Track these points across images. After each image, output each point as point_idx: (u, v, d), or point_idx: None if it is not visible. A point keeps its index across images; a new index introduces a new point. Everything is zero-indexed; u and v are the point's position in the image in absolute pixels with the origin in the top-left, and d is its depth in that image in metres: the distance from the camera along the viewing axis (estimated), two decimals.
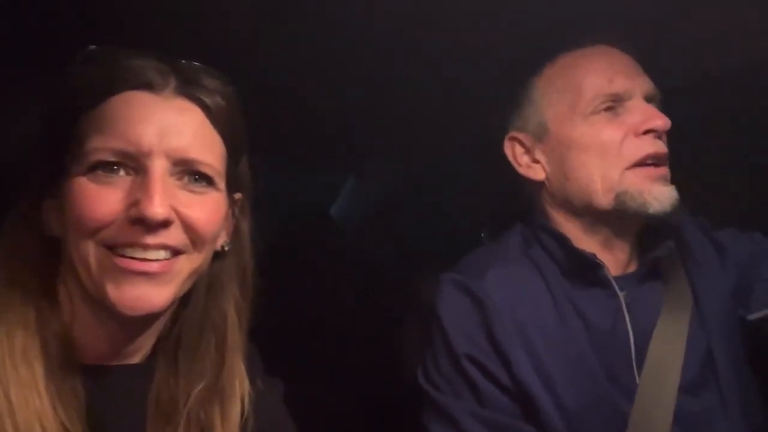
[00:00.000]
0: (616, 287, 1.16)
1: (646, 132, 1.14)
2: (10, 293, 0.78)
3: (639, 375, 1.11)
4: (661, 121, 1.14)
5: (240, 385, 0.91)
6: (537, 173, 1.23)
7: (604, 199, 1.15)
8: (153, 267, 0.77)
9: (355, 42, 1.25)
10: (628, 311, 1.14)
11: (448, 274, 1.18)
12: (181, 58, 0.84)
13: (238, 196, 0.92)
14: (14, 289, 0.78)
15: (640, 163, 1.14)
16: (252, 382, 0.94)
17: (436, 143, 1.51)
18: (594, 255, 1.16)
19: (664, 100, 1.20)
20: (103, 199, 0.76)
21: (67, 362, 0.78)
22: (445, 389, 1.11)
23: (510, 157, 1.26)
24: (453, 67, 1.33)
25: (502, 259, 1.19)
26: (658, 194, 1.13)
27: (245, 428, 0.92)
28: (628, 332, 1.13)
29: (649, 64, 1.20)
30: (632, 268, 1.21)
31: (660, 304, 1.16)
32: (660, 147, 1.15)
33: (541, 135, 1.22)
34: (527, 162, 1.24)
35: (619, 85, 1.16)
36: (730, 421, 1.12)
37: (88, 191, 0.76)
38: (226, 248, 0.90)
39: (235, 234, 0.92)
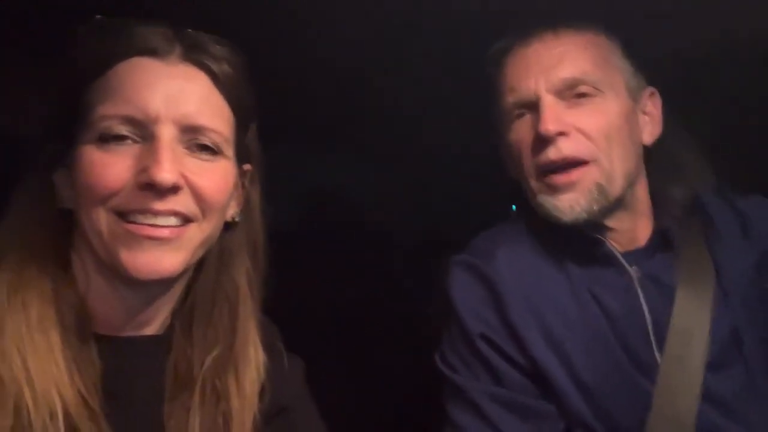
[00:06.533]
0: (625, 263, 1.13)
1: (540, 138, 1.09)
2: (25, 264, 0.80)
3: (659, 352, 1.08)
4: (543, 127, 1.08)
5: (255, 354, 0.92)
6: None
7: (533, 203, 1.15)
8: (163, 233, 0.79)
9: (385, 24, 1.26)
10: (641, 287, 1.12)
11: (459, 255, 1.18)
12: None
13: (247, 167, 0.93)
14: (29, 261, 0.80)
15: (546, 171, 1.11)
16: (269, 352, 0.95)
17: (461, 124, 1.50)
18: (589, 229, 1.13)
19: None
20: (112, 166, 0.78)
21: (83, 332, 0.81)
22: (462, 370, 1.11)
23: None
24: (477, 47, 1.30)
25: (513, 238, 1.19)
26: (560, 205, 1.10)
27: (262, 398, 0.92)
28: (643, 309, 1.11)
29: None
30: (641, 243, 1.18)
31: (676, 278, 1.13)
32: (556, 153, 1.09)
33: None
34: None
35: (520, 92, 1.13)
36: (760, 403, 1.08)
37: (97, 159, 0.78)
38: (237, 219, 0.92)
39: (245, 205, 0.93)
